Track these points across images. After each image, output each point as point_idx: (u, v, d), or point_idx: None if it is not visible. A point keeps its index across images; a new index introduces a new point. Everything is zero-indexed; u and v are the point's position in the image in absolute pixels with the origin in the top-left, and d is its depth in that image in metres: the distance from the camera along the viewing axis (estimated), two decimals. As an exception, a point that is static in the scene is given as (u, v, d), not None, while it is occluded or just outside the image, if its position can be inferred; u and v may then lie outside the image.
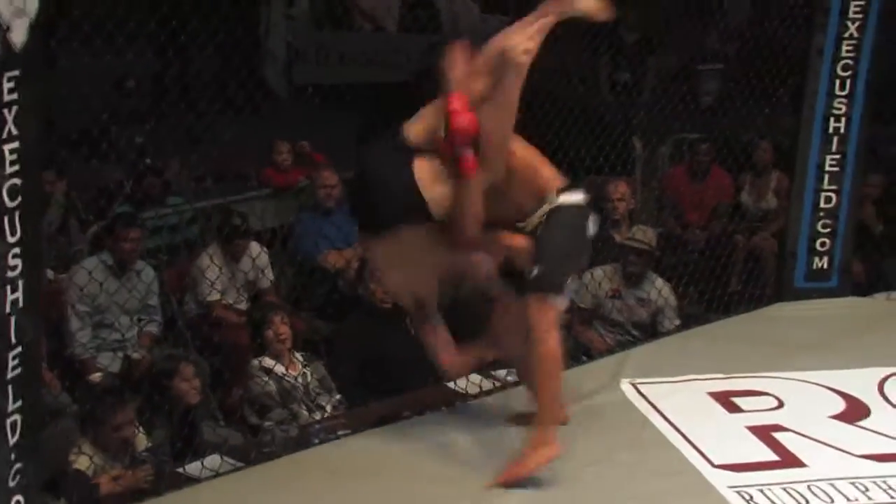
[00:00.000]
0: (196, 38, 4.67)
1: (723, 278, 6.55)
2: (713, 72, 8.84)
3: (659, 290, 6.13)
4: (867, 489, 3.98)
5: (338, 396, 5.23)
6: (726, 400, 4.76)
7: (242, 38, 5.06)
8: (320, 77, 9.09)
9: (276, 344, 5.18)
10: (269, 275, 6.04)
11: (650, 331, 6.04)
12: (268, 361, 5.16)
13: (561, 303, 4.02)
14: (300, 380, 5.15)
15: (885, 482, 4.03)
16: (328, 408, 5.13)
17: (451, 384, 4.94)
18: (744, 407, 4.70)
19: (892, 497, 3.94)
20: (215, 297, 5.85)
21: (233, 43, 4.92)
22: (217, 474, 4.14)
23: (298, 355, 5.28)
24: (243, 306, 5.94)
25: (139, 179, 6.57)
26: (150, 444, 4.39)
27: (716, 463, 4.19)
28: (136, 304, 5.60)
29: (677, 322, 6.09)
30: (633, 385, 4.89)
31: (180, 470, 4.21)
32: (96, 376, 5.28)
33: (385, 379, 5.06)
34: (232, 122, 5.42)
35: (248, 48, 5.14)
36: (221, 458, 4.22)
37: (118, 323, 5.52)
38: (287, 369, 5.18)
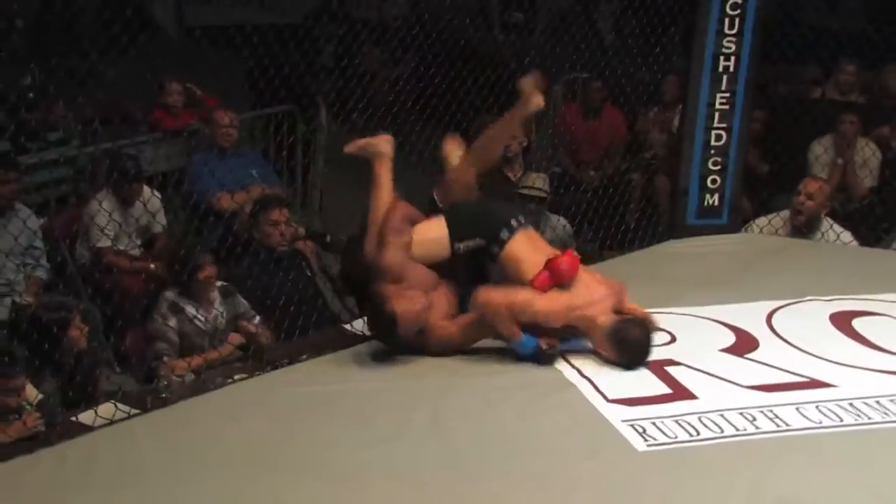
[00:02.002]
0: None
1: (616, 217, 6.61)
2: (606, 10, 8.87)
3: (554, 228, 6.19)
4: (755, 419, 4.08)
5: (257, 318, 5.20)
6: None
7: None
8: (212, 18, 8.92)
9: (207, 287, 5.09)
10: (162, 219, 5.94)
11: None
12: (189, 308, 5.07)
13: None
14: (209, 325, 5.07)
15: (771, 411, 4.13)
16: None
17: (347, 326, 4.95)
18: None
19: (778, 426, 4.04)
20: (106, 243, 5.73)
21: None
22: (112, 422, 4.08)
23: (217, 286, 5.21)
24: (136, 252, 5.83)
25: (16, 113, 6.36)
26: (40, 396, 4.29)
27: (610, 397, 4.24)
28: (19, 248, 5.46)
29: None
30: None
31: (73, 418, 4.14)
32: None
33: (282, 322, 5.02)
34: (119, 64, 5.29)
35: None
36: (115, 405, 4.15)
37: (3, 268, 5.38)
38: (206, 313, 5.11)
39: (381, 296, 4.45)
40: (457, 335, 4.54)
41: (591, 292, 4.52)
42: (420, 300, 4.45)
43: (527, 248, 4.57)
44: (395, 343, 4.51)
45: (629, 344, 4.48)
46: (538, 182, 6.41)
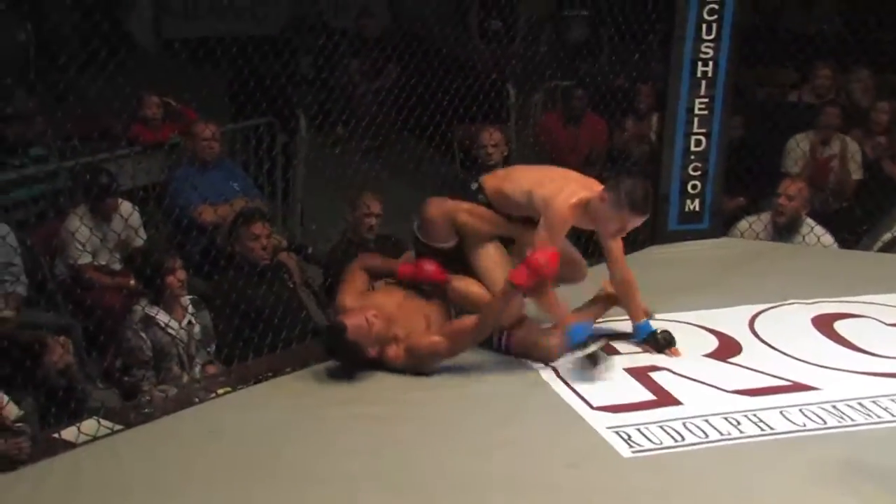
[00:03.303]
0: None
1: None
2: (580, 18, 8.86)
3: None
4: (739, 423, 4.08)
5: (212, 347, 5.18)
6: (604, 343, 4.81)
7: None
8: (189, 30, 8.89)
9: (177, 290, 5.06)
10: (142, 234, 5.90)
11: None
12: (161, 316, 5.02)
13: None
14: (183, 332, 5.04)
15: (755, 415, 4.14)
16: (199, 364, 5.06)
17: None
18: (621, 349, 4.76)
19: (762, 429, 4.04)
20: (86, 259, 5.70)
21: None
22: (95, 438, 4.06)
23: (187, 299, 5.17)
24: (116, 267, 5.80)
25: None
26: (21, 413, 4.26)
27: (595, 405, 4.25)
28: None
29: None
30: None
31: (56, 435, 4.10)
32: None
33: (265, 335, 5.01)
34: (97, 79, 5.26)
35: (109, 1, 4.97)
36: (98, 421, 4.12)
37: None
38: (178, 320, 5.07)
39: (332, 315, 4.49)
40: (446, 344, 4.49)
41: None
42: (369, 312, 4.43)
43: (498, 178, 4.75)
44: (352, 359, 4.46)
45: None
46: None
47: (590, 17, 8.64)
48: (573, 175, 4.76)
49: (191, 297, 5.18)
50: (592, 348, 4.47)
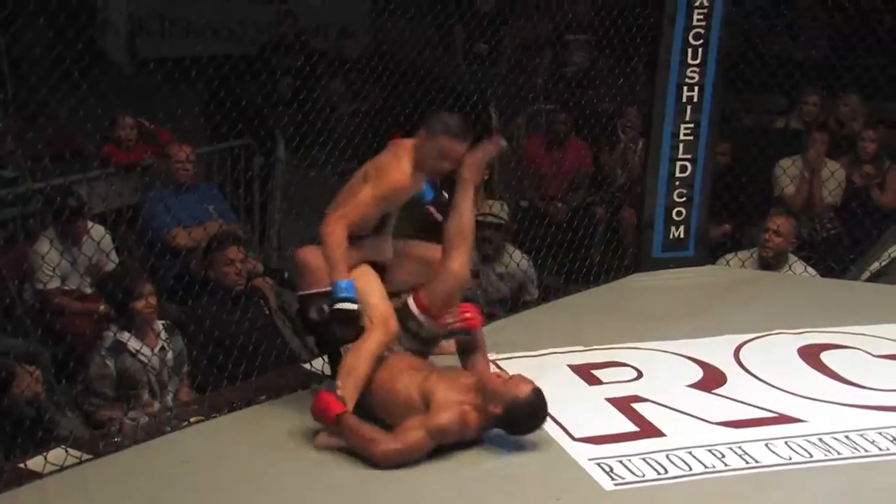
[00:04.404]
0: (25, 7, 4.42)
1: (582, 250, 6.54)
2: (579, 42, 8.78)
3: (518, 262, 6.11)
4: (723, 455, 4.02)
5: (184, 374, 5.08)
6: (586, 372, 4.77)
7: (76, 8, 4.82)
8: (165, 50, 8.82)
9: (147, 315, 4.95)
10: (114, 257, 5.80)
11: (513, 304, 6.02)
12: (133, 342, 4.91)
13: None
14: (155, 358, 4.93)
15: (740, 447, 4.08)
16: (171, 392, 4.96)
17: (306, 365, 4.85)
18: (603, 379, 4.71)
19: (747, 462, 3.98)
20: (55, 283, 5.59)
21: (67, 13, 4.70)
22: (62, 468, 3.97)
23: (160, 324, 5.07)
24: (87, 291, 5.69)
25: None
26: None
27: (576, 436, 4.18)
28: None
29: (536, 293, 6.09)
30: (493, 361, 4.84)
31: (22, 465, 4.01)
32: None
33: (239, 362, 4.91)
34: (70, 98, 5.18)
35: (82, 18, 4.88)
36: (66, 451, 4.04)
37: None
38: (150, 347, 4.97)
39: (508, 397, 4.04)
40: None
41: None
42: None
43: None
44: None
45: None
46: (495, 208, 6.26)
47: (591, 41, 8.54)
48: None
49: (163, 322, 5.08)
50: (343, 306, 4.15)
